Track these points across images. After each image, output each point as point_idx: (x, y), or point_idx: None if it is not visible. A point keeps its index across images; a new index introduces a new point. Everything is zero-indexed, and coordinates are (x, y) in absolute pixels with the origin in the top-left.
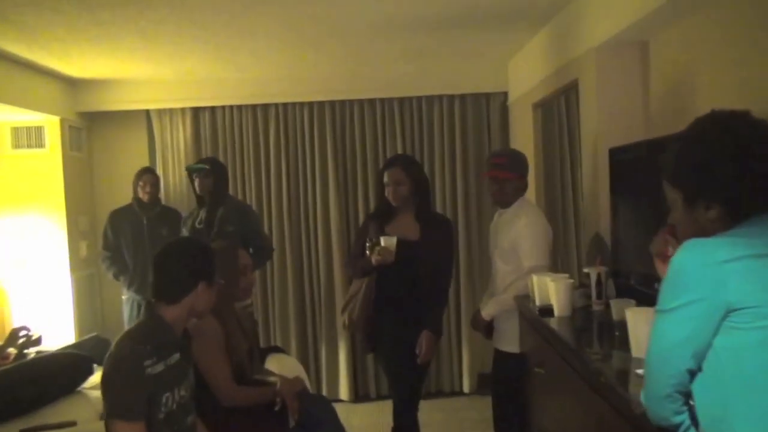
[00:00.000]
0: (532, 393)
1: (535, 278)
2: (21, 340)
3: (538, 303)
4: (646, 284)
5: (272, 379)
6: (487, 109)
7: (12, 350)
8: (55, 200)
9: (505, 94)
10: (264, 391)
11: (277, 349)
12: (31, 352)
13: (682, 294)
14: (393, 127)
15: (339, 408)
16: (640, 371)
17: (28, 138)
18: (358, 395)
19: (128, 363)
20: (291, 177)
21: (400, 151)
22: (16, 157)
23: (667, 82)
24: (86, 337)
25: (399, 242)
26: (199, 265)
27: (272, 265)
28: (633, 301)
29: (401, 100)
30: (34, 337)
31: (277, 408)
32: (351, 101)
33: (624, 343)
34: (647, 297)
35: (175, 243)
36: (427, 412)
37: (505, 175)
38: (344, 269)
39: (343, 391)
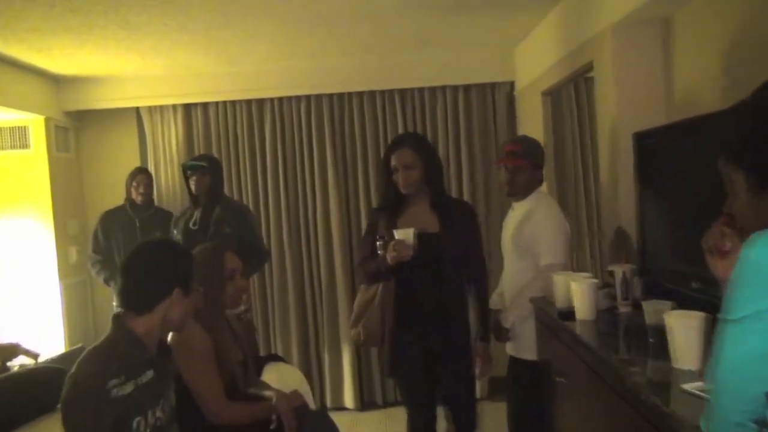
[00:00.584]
0: (553, 403)
1: (555, 278)
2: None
3: (558, 305)
4: (682, 283)
5: (268, 393)
6: (493, 99)
7: None
8: (41, 203)
9: (512, 83)
10: (258, 407)
11: (276, 358)
12: (15, 365)
13: (760, 297)
14: (394, 120)
15: (344, 417)
16: (690, 387)
17: (12, 139)
18: (364, 403)
19: (89, 384)
20: (288, 175)
21: None
22: (3, 159)
23: (692, 60)
24: (71, 349)
25: (417, 234)
26: (173, 269)
27: (271, 269)
28: (669, 303)
29: (402, 92)
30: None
31: (272, 426)
32: (350, 94)
33: (660, 351)
34: (682, 297)
35: (147, 245)
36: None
37: (517, 164)
38: (355, 275)
39: (348, 399)
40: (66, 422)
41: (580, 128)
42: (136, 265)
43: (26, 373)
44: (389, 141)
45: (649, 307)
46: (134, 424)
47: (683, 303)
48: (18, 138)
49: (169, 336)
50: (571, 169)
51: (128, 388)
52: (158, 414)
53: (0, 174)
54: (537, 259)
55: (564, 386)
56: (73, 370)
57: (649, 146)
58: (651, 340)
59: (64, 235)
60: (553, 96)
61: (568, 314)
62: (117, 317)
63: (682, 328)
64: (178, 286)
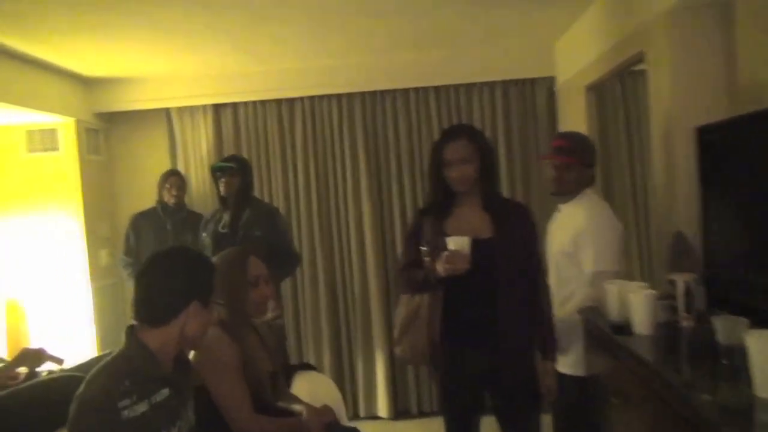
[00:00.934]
0: (603, 422)
1: (608, 287)
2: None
3: (611, 317)
4: (758, 296)
5: (298, 407)
6: (533, 96)
7: (22, 370)
8: (72, 205)
9: (552, 79)
10: (288, 423)
11: (307, 366)
12: (44, 371)
13: None
14: (429, 119)
15: (377, 427)
16: None
17: (43, 141)
18: (398, 411)
19: (97, 405)
20: (320, 176)
21: None
22: (31, 161)
23: (757, 47)
24: (99, 355)
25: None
26: (190, 281)
27: (302, 274)
28: (745, 320)
29: (437, 90)
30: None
31: None
32: (383, 92)
33: (735, 374)
34: (755, 312)
35: (163, 253)
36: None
37: (566, 161)
38: (396, 282)
39: (382, 408)
40: None
41: (627, 125)
42: (150, 275)
43: (47, 382)
44: (423, 140)
45: (722, 324)
46: None
47: (759, 319)
48: (48, 140)
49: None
50: (617, 170)
51: (141, 408)
52: None
53: (30, 176)
54: (585, 266)
55: (616, 406)
56: (81, 389)
57: (714, 142)
58: (724, 362)
59: (94, 238)
60: (597, 91)
61: (623, 328)
62: (131, 329)
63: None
64: (195, 298)
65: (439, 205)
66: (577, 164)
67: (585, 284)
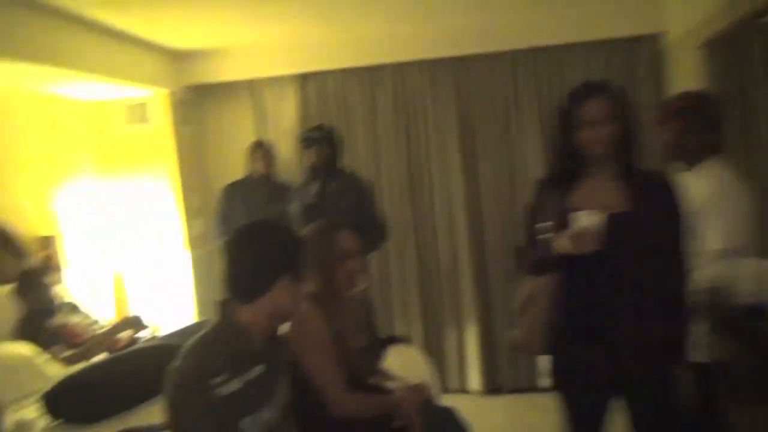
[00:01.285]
0: (727, 412)
1: (741, 265)
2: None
3: (743, 299)
4: None
5: (391, 384)
6: (636, 55)
7: (124, 335)
8: (167, 177)
9: (660, 36)
10: (382, 401)
11: (397, 339)
12: (143, 337)
13: None
14: (527, 84)
15: (468, 401)
16: None
17: (140, 114)
18: (490, 387)
19: (191, 383)
20: (407, 145)
21: (533, 112)
22: (128, 134)
23: None
24: (195, 322)
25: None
26: (280, 254)
27: (389, 246)
28: None
29: (533, 52)
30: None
31: (396, 424)
32: (475, 57)
33: None
34: None
35: (251, 227)
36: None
37: (687, 124)
38: (516, 261)
39: (473, 382)
40: (169, 420)
41: (755, 85)
42: (239, 251)
43: (146, 350)
44: (518, 107)
45: None
46: (243, 426)
47: None
48: (144, 113)
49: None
50: (747, 139)
51: (234, 385)
52: (269, 413)
53: (128, 148)
54: (710, 243)
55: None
56: (176, 363)
57: None
58: None
59: (188, 207)
60: (721, 46)
61: (759, 311)
62: (223, 304)
63: None
64: (286, 273)
65: (566, 175)
66: (701, 128)
67: (708, 263)
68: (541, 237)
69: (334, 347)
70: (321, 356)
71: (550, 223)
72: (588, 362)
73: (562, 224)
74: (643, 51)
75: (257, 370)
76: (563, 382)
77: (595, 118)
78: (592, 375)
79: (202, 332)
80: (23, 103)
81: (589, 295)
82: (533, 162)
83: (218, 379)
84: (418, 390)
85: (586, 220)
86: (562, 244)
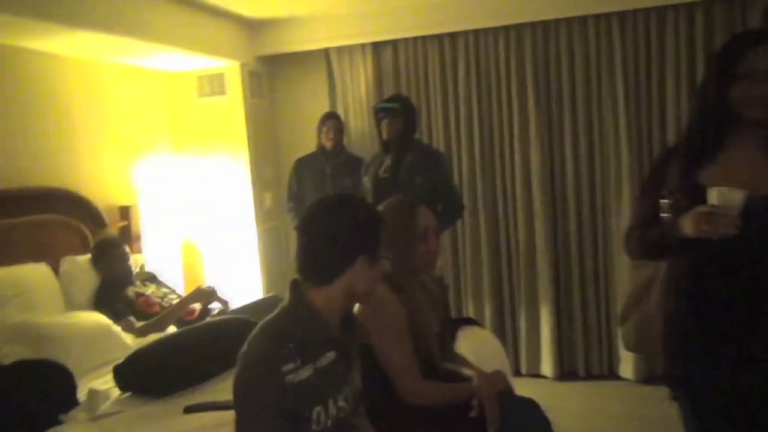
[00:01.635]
0: None
1: None
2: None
3: None
4: None
5: (466, 372)
6: (743, 15)
7: (197, 306)
8: (239, 149)
9: None
10: (457, 389)
11: (469, 321)
12: (216, 308)
13: None
14: (611, 51)
15: (541, 386)
16: None
17: (212, 86)
18: (564, 372)
19: (260, 370)
20: (484, 118)
21: (618, 85)
22: (201, 106)
23: None
24: (264, 297)
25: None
26: (356, 234)
27: (463, 222)
28: None
29: (622, 15)
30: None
31: (473, 414)
32: (557, 21)
33: None
34: None
35: (326, 203)
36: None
37: None
38: (624, 243)
39: (546, 367)
40: (237, 407)
41: None
42: (313, 231)
43: (219, 324)
44: (603, 77)
45: None
46: (314, 415)
47: None
48: (216, 85)
49: (356, 306)
50: None
51: (305, 372)
52: (341, 402)
53: (201, 120)
54: None
55: None
56: (244, 348)
57: None
58: None
59: (259, 180)
60: None
61: None
62: (295, 285)
63: None
64: (362, 253)
65: (706, 142)
66: None
67: None
68: (664, 214)
69: (408, 331)
70: (397, 342)
71: (678, 196)
72: (716, 364)
73: (693, 201)
74: (754, 10)
75: (329, 357)
76: (687, 391)
77: (760, 71)
78: (720, 379)
79: (272, 315)
80: (108, 74)
81: (719, 289)
82: (616, 135)
83: (289, 366)
84: (496, 379)
85: (727, 197)
86: (692, 224)
